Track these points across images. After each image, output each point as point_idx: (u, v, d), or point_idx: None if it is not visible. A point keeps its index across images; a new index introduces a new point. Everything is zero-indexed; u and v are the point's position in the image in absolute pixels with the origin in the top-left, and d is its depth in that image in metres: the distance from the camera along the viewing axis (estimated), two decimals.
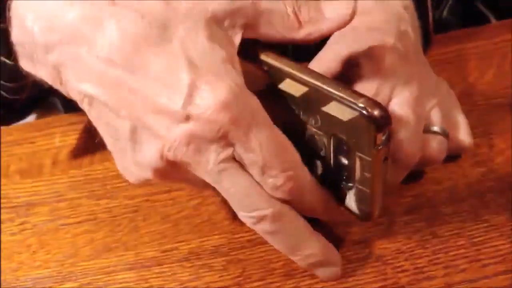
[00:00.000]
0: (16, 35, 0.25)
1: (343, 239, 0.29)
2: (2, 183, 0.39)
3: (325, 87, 0.23)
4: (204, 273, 0.29)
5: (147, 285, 0.30)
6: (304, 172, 0.24)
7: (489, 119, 0.35)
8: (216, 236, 0.31)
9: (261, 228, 0.25)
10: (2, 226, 0.36)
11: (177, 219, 0.33)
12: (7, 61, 0.30)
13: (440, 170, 0.32)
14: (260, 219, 0.24)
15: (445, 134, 0.30)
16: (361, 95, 0.22)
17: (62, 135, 0.42)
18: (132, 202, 0.35)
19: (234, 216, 0.32)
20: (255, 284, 0.28)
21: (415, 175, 0.32)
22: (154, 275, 0.30)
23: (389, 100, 0.29)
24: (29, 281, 0.32)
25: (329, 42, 0.33)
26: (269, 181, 0.23)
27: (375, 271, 0.27)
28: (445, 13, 0.48)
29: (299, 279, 0.28)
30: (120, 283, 0.30)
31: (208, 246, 0.31)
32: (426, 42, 0.40)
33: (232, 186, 0.24)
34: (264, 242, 0.30)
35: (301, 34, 0.25)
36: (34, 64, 0.26)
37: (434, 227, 0.29)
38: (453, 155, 0.32)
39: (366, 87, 0.29)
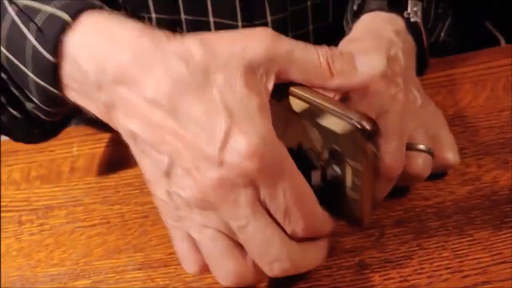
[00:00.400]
0: (68, 71, 0.28)
1: (335, 247, 0.31)
2: (23, 187, 0.42)
3: (323, 103, 0.26)
4: (207, 275, 0.32)
5: (153, 284, 0.32)
6: (318, 210, 0.26)
7: (480, 140, 0.37)
8: None
9: (275, 275, 0.26)
10: (22, 227, 0.39)
11: None
12: (53, 89, 0.30)
13: (429, 187, 0.34)
14: (279, 270, 0.26)
15: (429, 152, 0.32)
16: (355, 110, 0.25)
17: (80, 145, 0.45)
18: (142, 208, 0.37)
19: None
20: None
21: (405, 191, 0.34)
22: (161, 275, 0.32)
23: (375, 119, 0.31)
24: (46, 277, 0.34)
25: None
26: (289, 226, 0.25)
27: (364, 278, 0.30)
28: (442, 35, 0.50)
29: (293, 284, 0.30)
30: (129, 281, 0.33)
31: None
32: (422, 65, 0.41)
33: (258, 233, 0.25)
34: None
35: (333, 84, 0.27)
36: (84, 99, 0.28)
37: (421, 239, 0.31)
38: (440, 172, 0.34)
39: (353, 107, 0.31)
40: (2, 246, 0.37)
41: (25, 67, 0.31)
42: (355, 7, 0.43)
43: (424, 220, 0.32)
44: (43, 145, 0.45)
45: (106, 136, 0.44)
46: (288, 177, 0.24)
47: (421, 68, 0.41)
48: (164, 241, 0.34)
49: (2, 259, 0.36)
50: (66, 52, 0.27)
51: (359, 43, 0.36)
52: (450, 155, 0.34)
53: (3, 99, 0.36)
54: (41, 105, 0.34)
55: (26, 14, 0.30)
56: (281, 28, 0.48)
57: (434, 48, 0.47)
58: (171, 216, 0.28)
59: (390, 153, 0.30)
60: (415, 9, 0.40)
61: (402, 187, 0.33)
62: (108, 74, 0.25)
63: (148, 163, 0.27)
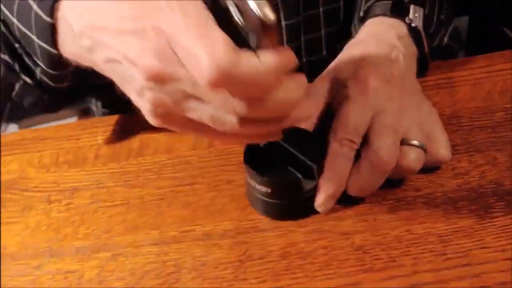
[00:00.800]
0: (61, 30, 0.34)
1: (331, 230, 0.34)
2: (52, 170, 0.46)
3: None
4: (214, 251, 0.35)
5: (167, 257, 0.35)
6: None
7: (472, 139, 0.39)
8: (226, 222, 0.37)
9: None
10: (51, 205, 0.42)
11: (195, 206, 0.39)
12: (52, 50, 0.37)
13: (421, 179, 0.37)
14: None
15: (422, 147, 0.35)
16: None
17: (103, 134, 0.49)
18: (159, 191, 0.41)
19: (242, 207, 0.38)
20: (255, 262, 0.34)
21: (398, 182, 0.37)
22: (173, 250, 0.36)
23: (373, 116, 0.34)
24: (72, 249, 0.38)
25: (329, 67, 0.39)
26: None
27: (356, 258, 0.32)
28: (446, 39, 0.52)
29: (291, 260, 0.33)
30: (145, 255, 0.36)
31: (219, 230, 0.36)
32: (423, 67, 0.44)
33: None
34: (265, 229, 0.36)
35: None
36: (73, 50, 0.34)
37: (410, 226, 0.34)
38: (433, 167, 0.37)
39: (351, 105, 0.34)
40: (32, 222, 0.41)
41: (31, 33, 0.38)
42: (361, 13, 0.46)
43: (414, 208, 0.35)
44: (71, 133, 0.49)
45: (130, 126, 0.48)
46: None
47: (422, 70, 0.44)
48: (177, 221, 0.38)
49: (32, 233, 0.40)
50: (59, 14, 0.34)
51: (363, 45, 0.39)
52: (443, 151, 0.36)
53: (17, 67, 0.43)
54: (46, 69, 0.40)
55: None
56: (294, 32, 0.51)
57: (438, 52, 0.49)
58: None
59: (385, 149, 0.33)
60: (416, 15, 0.43)
61: (394, 180, 0.36)
62: (86, 23, 0.29)
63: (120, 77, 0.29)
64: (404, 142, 0.35)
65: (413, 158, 0.35)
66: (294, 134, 0.34)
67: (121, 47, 0.27)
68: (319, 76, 0.38)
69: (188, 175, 0.41)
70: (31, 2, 0.37)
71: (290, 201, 0.35)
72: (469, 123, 0.41)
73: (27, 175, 0.46)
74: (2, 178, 0.46)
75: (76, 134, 0.49)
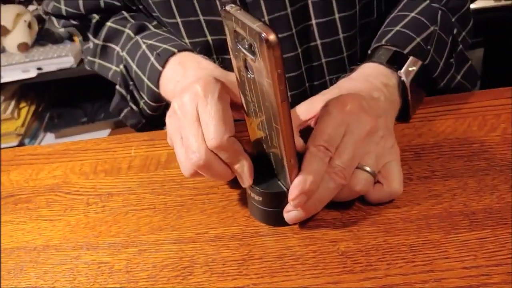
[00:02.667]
0: (164, 76, 0.54)
1: (321, 237, 0.41)
2: (91, 177, 0.54)
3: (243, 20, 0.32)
4: (223, 251, 0.41)
5: (183, 254, 0.42)
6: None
7: (449, 166, 0.45)
8: (234, 227, 0.43)
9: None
10: (89, 207, 0.50)
11: (210, 213, 0.45)
12: (156, 89, 0.55)
13: (401, 199, 0.42)
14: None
15: (372, 174, 0.40)
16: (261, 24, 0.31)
17: (136, 148, 0.56)
18: (180, 199, 0.47)
19: (248, 215, 0.44)
20: (255, 261, 0.40)
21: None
22: (189, 249, 0.42)
23: (342, 137, 0.39)
24: (105, 244, 0.44)
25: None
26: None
27: (339, 261, 0.39)
28: (459, 77, 0.55)
29: (286, 261, 0.39)
30: (166, 252, 0.42)
31: (228, 233, 0.43)
32: (405, 116, 0.50)
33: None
34: (265, 234, 0.42)
35: None
36: (165, 93, 0.54)
37: (387, 237, 0.40)
38: (387, 200, 0.42)
39: (330, 119, 0.39)
40: (73, 220, 0.48)
41: (144, 76, 0.56)
42: (369, 51, 0.51)
43: (392, 223, 0.41)
44: (108, 146, 0.57)
45: (158, 142, 0.56)
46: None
47: (404, 118, 0.50)
48: (194, 224, 0.44)
49: (73, 230, 0.47)
50: (167, 65, 0.53)
51: (352, 81, 0.46)
52: (395, 185, 0.41)
53: (128, 98, 0.62)
54: (148, 101, 0.58)
55: (152, 48, 0.56)
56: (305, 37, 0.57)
57: (450, 90, 0.54)
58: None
59: (340, 165, 0.39)
60: (410, 69, 0.47)
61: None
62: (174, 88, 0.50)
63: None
64: (358, 166, 0.40)
65: (360, 180, 0.40)
66: None
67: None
68: (308, 99, 0.45)
69: (205, 186, 0.48)
70: (150, 56, 0.56)
71: (279, 209, 0.41)
72: (448, 153, 0.47)
73: (70, 180, 0.53)
74: (49, 182, 0.54)
75: (113, 147, 0.57)
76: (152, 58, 0.55)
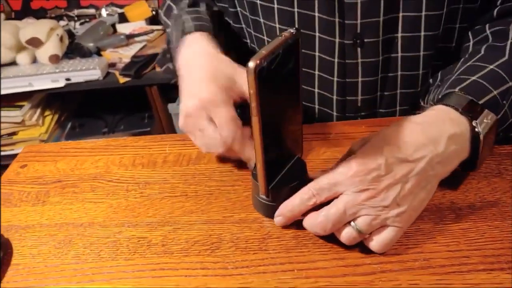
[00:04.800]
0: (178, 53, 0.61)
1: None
2: (129, 169, 0.61)
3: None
4: (246, 231, 0.48)
5: (212, 232, 0.48)
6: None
7: None
8: (256, 213, 0.50)
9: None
10: (129, 193, 0.57)
11: (235, 201, 0.52)
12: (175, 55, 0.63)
13: None
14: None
15: (359, 232, 0.42)
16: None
17: (170, 147, 0.63)
18: (209, 189, 0.55)
19: None
20: (274, 239, 0.47)
21: None
22: (217, 228, 0.49)
23: (340, 193, 0.42)
24: (144, 223, 0.51)
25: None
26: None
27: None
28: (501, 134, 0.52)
29: (299, 240, 0.46)
30: (197, 230, 0.49)
31: (251, 217, 0.50)
32: (473, 166, 0.47)
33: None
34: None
35: None
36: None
37: None
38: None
39: (331, 174, 0.43)
40: (114, 203, 0.55)
41: (174, 44, 0.65)
42: (439, 96, 0.50)
43: None
44: (145, 144, 0.65)
45: (189, 142, 0.63)
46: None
47: (470, 168, 0.47)
48: (221, 209, 0.51)
49: (114, 210, 0.54)
50: (182, 43, 0.60)
51: (410, 130, 0.44)
52: (375, 246, 0.43)
53: (169, 56, 0.72)
54: (174, 63, 0.66)
55: (183, 23, 0.65)
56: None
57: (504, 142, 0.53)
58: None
59: (325, 215, 0.42)
60: (485, 120, 0.45)
61: None
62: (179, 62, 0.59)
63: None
64: (352, 221, 0.42)
65: (346, 234, 0.42)
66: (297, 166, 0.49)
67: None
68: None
69: (230, 179, 0.56)
70: (179, 28, 0.64)
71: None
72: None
73: (111, 171, 0.61)
74: (92, 171, 0.62)
75: (149, 145, 0.64)
76: (180, 29, 0.63)
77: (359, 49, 0.60)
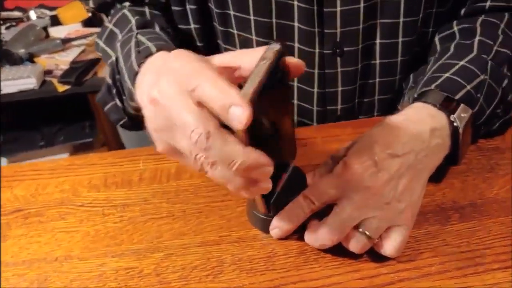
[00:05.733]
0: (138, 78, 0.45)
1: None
2: (102, 190, 0.55)
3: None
4: (248, 250, 0.45)
5: (210, 255, 0.45)
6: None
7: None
8: (255, 230, 0.47)
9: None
10: (106, 218, 0.51)
11: (229, 217, 0.49)
12: (131, 87, 0.50)
13: None
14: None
15: (369, 237, 0.41)
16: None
17: (144, 162, 0.58)
18: (197, 206, 0.50)
19: None
20: (280, 257, 0.44)
21: None
22: (215, 250, 0.45)
23: (340, 196, 0.41)
24: (130, 251, 0.46)
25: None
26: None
27: (356, 255, 0.44)
28: (496, 126, 0.54)
29: (308, 255, 0.44)
30: (192, 254, 0.45)
31: (250, 235, 0.47)
32: (454, 160, 0.48)
33: None
34: (283, 239, 0.46)
35: None
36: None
37: None
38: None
39: (328, 178, 0.42)
40: (92, 230, 0.49)
41: (127, 74, 0.52)
42: (415, 95, 0.51)
43: None
44: (114, 160, 0.59)
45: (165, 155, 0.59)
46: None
47: (452, 162, 0.49)
48: (215, 228, 0.48)
49: (93, 239, 0.48)
50: (142, 68, 0.45)
51: (393, 127, 0.44)
52: (388, 250, 0.41)
53: (114, 91, 0.59)
54: (127, 99, 0.56)
55: (138, 44, 0.52)
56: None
57: (486, 135, 0.55)
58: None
59: (327, 226, 0.41)
60: (462, 115, 0.46)
61: None
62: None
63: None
64: (358, 226, 0.41)
65: (354, 242, 0.41)
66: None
67: None
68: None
69: (219, 194, 0.52)
70: (132, 52, 0.51)
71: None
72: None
73: (80, 193, 0.55)
74: (57, 196, 0.55)
75: (119, 161, 0.59)
76: (133, 56, 0.51)
77: (338, 59, 0.59)
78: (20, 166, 0.61)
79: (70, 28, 1.55)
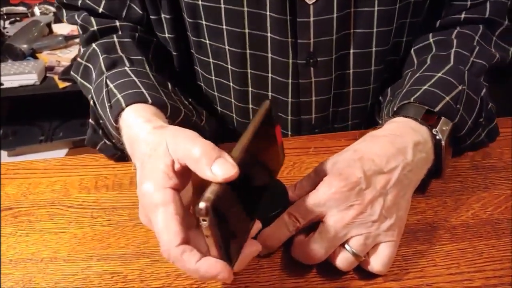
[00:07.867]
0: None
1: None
2: (92, 192, 0.55)
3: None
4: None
5: None
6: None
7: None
8: None
9: None
10: (95, 220, 0.51)
11: None
12: (116, 134, 0.50)
13: None
14: None
15: (356, 255, 0.40)
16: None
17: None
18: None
19: None
20: (265, 270, 0.43)
21: None
22: None
23: (326, 212, 0.41)
24: (116, 255, 0.46)
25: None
26: None
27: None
28: (483, 136, 0.54)
29: (293, 269, 0.43)
30: None
31: None
32: (438, 173, 0.49)
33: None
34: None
35: None
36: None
37: None
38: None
39: (312, 196, 0.41)
40: (80, 233, 0.49)
41: (109, 126, 0.51)
42: (395, 108, 0.51)
43: None
44: (107, 162, 0.59)
45: None
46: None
47: (436, 175, 0.49)
48: None
49: (80, 242, 0.48)
50: (119, 121, 0.48)
51: (374, 143, 0.45)
52: (376, 266, 0.41)
53: (101, 132, 0.57)
54: (114, 141, 0.54)
55: (109, 95, 0.51)
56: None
57: (471, 146, 0.55)
58: None
59: (313, 243, 0.40)
60: (444, 128, 0.47)
61: None
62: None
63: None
64: (345, 243, 0.40)
65: (341, 259, 0.41)
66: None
67: None
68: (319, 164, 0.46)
69: None
70: (106, 104, 0.51)
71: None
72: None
73: (71, 194, 0.54)
74: (48, 196, 0.55)
75: (112, 163, 0.59)
76: (107, 110, 0.50)
77: (312, 69, 0.58)
78: (13, 164, 0.61)
79: (73, 25, 1.55)
